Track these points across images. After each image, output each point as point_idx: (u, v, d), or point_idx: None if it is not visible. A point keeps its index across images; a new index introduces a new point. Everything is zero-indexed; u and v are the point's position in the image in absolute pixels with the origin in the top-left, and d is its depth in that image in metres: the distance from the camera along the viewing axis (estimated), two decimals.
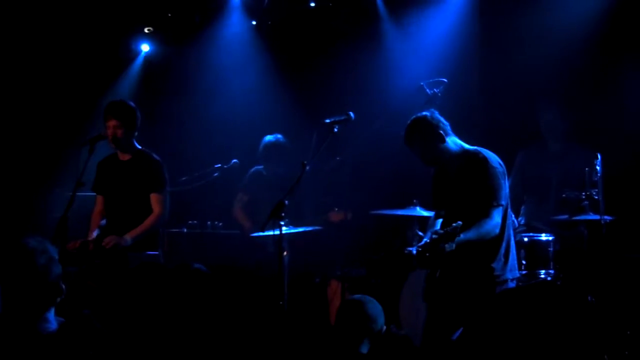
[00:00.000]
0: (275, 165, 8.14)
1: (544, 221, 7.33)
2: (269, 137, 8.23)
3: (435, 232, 5.05)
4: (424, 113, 5.56)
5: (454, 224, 4.94)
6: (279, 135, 8.23)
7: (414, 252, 5.48)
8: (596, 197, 6.63)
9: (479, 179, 5.39)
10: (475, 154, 5.50)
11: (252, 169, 8.38)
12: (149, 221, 6.65)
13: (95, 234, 6.75)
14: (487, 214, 5.27)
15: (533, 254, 6.65)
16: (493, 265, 5.43)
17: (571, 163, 7.46)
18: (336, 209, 8.16)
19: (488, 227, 5.25)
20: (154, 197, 6.71)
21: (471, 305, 5.38)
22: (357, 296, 4.86)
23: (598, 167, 6.54)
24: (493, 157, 5.48)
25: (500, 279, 5.44)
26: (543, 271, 6.61)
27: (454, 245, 4.95)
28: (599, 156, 6.55)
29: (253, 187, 8.26)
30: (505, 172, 5.51)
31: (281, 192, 6.02)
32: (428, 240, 5.24)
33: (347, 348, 4.60)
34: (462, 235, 4.98)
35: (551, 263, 6.63)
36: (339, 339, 4.65)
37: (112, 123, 6.65)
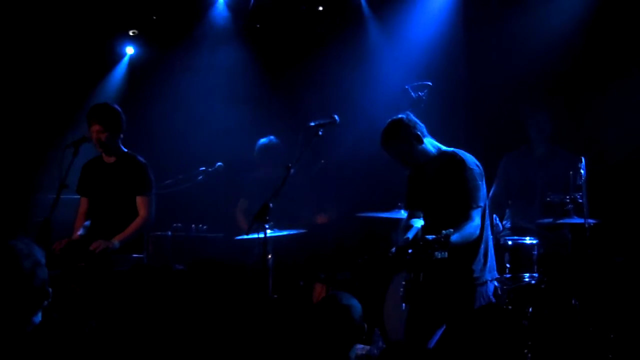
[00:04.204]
0: (272, 167, 8.17)
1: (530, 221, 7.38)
2: (262, 140, 8.36)
3: (423, 239, 5.05)
4: (400, 115, 5.58)
5: (444, 232, 4.93)
6: (272, 137, 8.34)
7: (394, 252, 5.47)
8: (580, 201, 6.66)
9: (457, 181, 5.40)
10: (453, 155, 5.52)
11: (251, 174, 8.42)
12: (136, 224, 6.63)
13: (80, 232, 6.69)
14: (467, 216, 5.29)
15: (517, 257, 6.65)
16: (472, 267, 5.45)
17: (556, 167, 7.49)
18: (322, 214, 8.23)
19: (470, 229, 5.27)
20: (140, 200, 6.69)
21: (451, 307, 5.39)
22: (344, 300, 4.79)
23: (582, 171, 6.58)
24: (470, 159, 5.50)
25: (480, 281, 5.46)
26: (527, 274, 6.62)
27: (446, 254, 4.96)
28: (583, 160, 6.58)
29: (252, 192, 8.28)
30: (483, 173, 5.53)
31: (281, 195, 6.03)
32: (410, 237, 5.26)
33: (338, 355, 4.59)
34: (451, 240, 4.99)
35: (535, 266, 6.64)
36: (328, 345, 4.63)
37: (95, 128, 6.61)
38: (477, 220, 5.34)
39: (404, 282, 5.74)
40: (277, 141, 8.36)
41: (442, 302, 5.44)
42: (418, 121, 5.58)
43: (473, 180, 5.41)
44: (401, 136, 5.49)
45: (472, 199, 5.35)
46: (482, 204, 5.41)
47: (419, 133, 5.50)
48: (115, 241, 6.43)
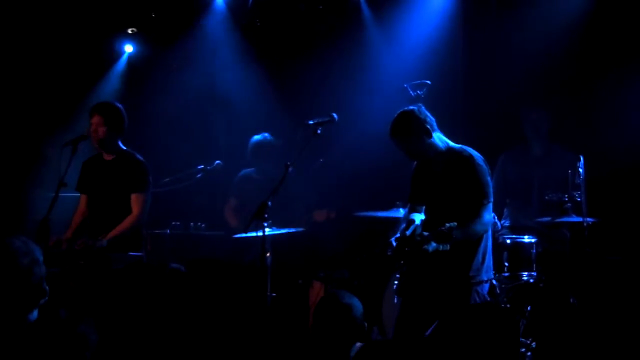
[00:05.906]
0: (265, 165, 8.15)
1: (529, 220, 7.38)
2: (257, 137, 8.27)
3: (427, 231, 5.06)
4: (411, 107, 5.57)
5: (448, 224, 4.94)
6: (267, 134, 8.27)
7: (394, 243, 5.45)
8: (579, 200, 6.67)
9: (467, 177, 5.41)
10: (461, 151, 5.54)
11: (241, 173, 8.39)
12: (126, 222, 6.63)
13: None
14: (477, 213, 5.31)
15: (516, 255, 6.65)
16: (470, 265, 5.44)
17: (554, 165, 7.49)
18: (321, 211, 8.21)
19: (479, 226, 5.29)
20: (134, 198, 6.70)
21: (445, 304, 5.38)
22: (345, 299, 4.78)
23: (581, 170, 6.58)
24: (478, 155, 5.53)
25: (476, 280, 5.46)
26: (526, 273, 6.62)
27: (448, 247, 4.96)
28: (581, 158, 6.58)
29: (242, 191, 8.26)
30: (489, 170, 5.54)
31: (279, 194, 6.03)
32: (408, 233, 5.25)
33: (338, 353, 4.60)
34: (454, 235, 4.99)
35: (534, 265, 6.64)
36: (328, 343, 4.63)
37: (94, 120, 6.65)
38: (486, 217, 5.37)
39: (398, 275, 5.74)
40: (271, 138, 8.27)
41: (436, 298, 5.43)
42: (429, 114, 5.57)
43: (483, 177, 5.44)
44: (411, 128, 5.47)
45: (482, 195, 5.38)
46: (492, 200, 5.44)
47: (428, 127, 5.49)
48: (103, 240, 6.44)
